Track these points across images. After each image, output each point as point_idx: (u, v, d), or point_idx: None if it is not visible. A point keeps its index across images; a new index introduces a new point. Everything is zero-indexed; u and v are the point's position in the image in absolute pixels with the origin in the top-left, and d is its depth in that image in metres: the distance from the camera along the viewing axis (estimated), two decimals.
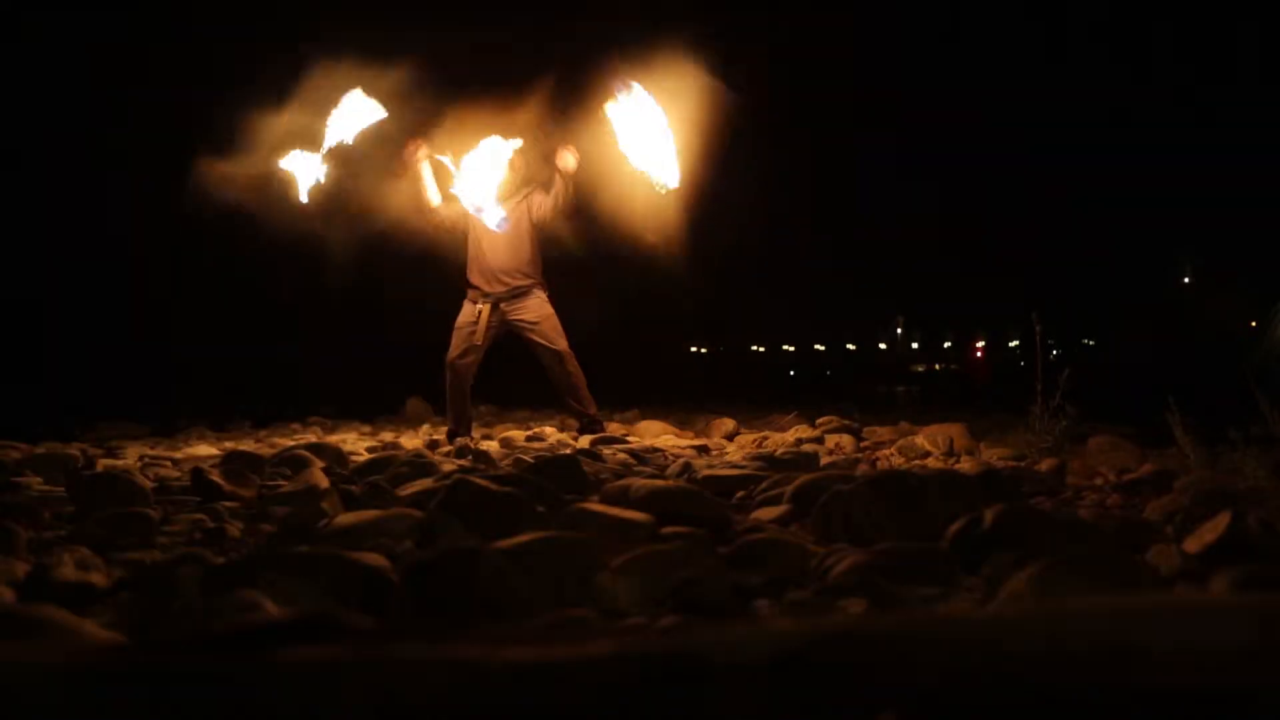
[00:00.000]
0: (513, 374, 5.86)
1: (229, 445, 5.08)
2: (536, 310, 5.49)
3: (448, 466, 3.67)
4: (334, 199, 5.60)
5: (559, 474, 3.17)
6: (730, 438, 5.40)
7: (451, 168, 5.42)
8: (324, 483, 3.19)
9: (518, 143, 5.45)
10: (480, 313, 5.44)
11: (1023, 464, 3.67)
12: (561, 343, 5.49)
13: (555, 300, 5.59)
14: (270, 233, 5.63)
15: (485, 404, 7.51)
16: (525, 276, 5.49)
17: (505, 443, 5.14)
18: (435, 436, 5.61)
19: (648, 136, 5.18)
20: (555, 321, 5.52)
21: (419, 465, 3.57)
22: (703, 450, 4.60)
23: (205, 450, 4.81)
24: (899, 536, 2.16)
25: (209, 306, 9.40)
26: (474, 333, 5.43)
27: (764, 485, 2.99)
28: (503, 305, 5.48)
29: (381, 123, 5.54)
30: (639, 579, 1.79)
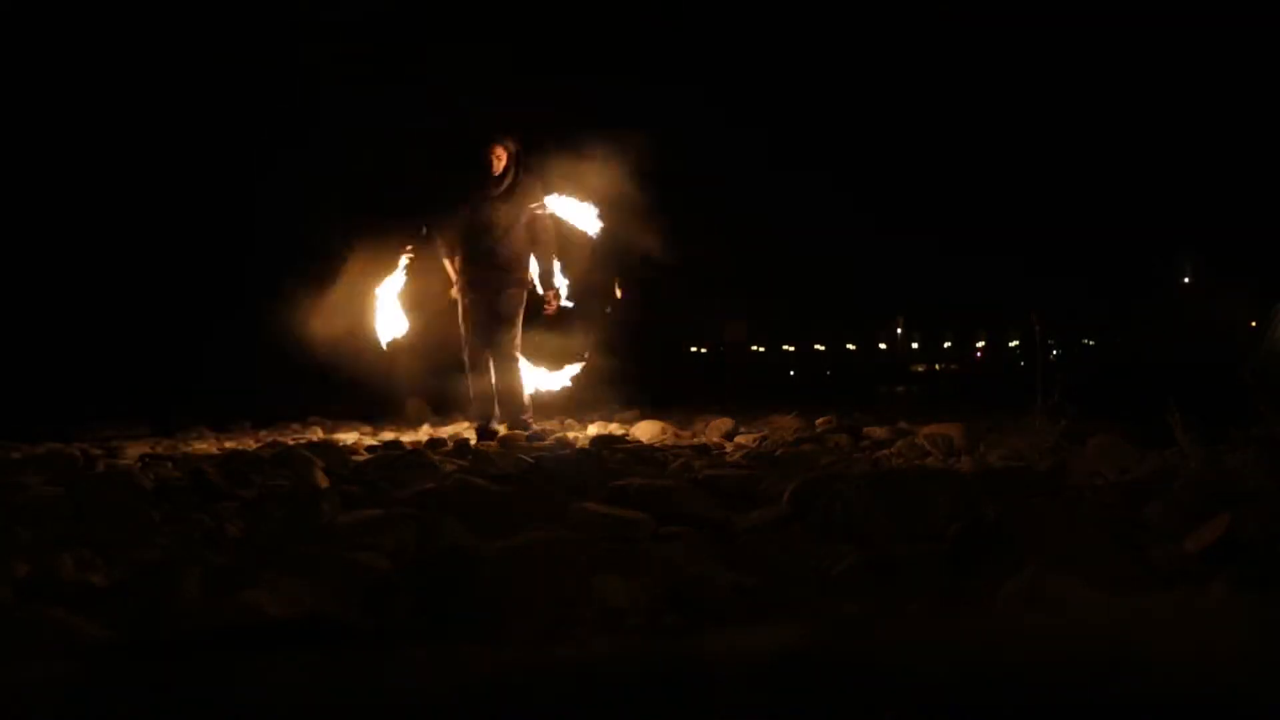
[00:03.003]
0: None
1: (229, 445, 5.08)
2: (505, 304, 5.57)
3: (448, 466, 3.67)
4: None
5: (559, 474, 3.17)
6: (729, 437, 5.40)
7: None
8: (324, 483, 3.19)
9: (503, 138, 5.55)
10: (470, 302, 5.60)
11: (1022, 464, 3.67)
12: (511, 346, 5.59)
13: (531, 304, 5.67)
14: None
15: None
16: (507, 271, 5.56)
17: (505, 442, 5.14)
18: (436, 435, 5.61)
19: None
20: (511, 319, 5.57)
21: (419, 465, 3.57)
22: (703, 450, 4.60)
23: (205, 450, 4.81)
24: (899, 536, 2.16)
25: (209, 306, 9.40)
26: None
27: (764, 485, 2.99)
28: (487, 293, 5.61)
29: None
30: (639, 579, 1.79)
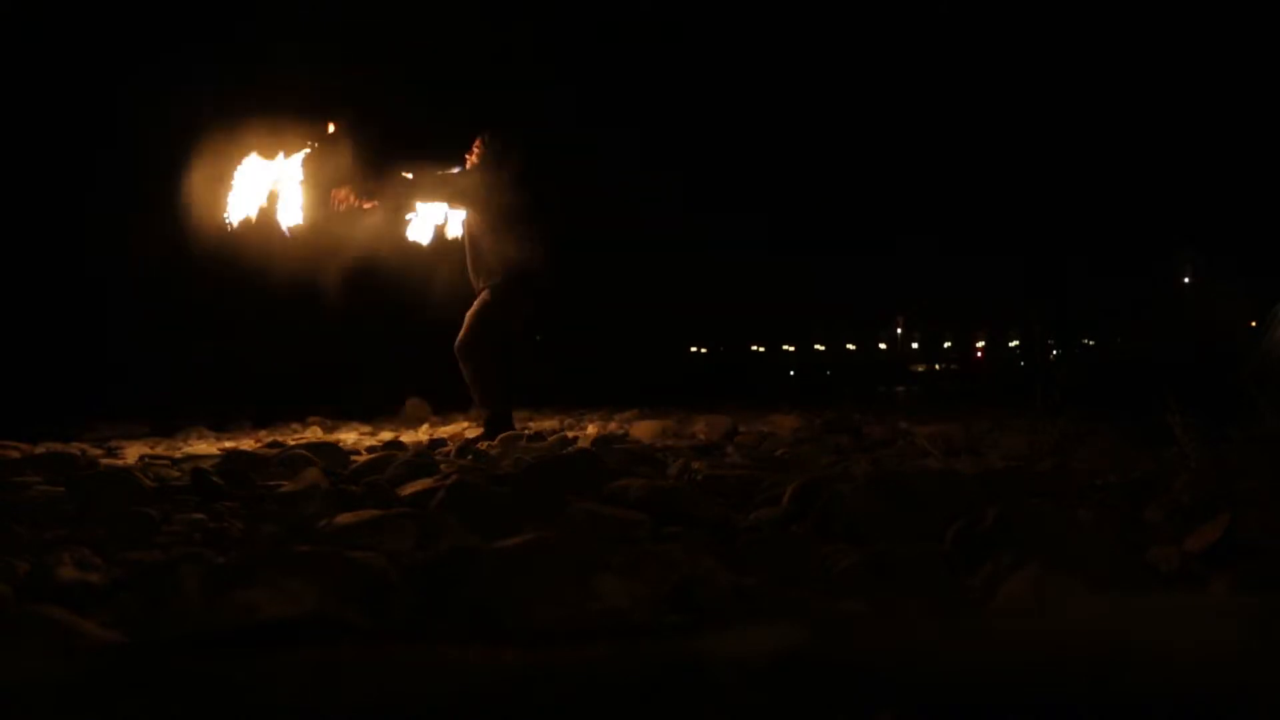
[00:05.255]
0: (512, 375, 5.86)
1: (229, 445, 5.08)
2: (476, 303, 5.58)
3: (448, 466, 3.67)
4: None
5: (559, 474, 3.17)
6: (730, 437, 5.40)
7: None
8: (324, 483, 3.19)
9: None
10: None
11: (1022, 464, 3.67)
12: (468, 340, 5.53)
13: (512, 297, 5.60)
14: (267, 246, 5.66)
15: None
16: (475, 273, 5.57)
17: (505, 442, 5.14)
18: (436, 435, 5.62)
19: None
20: (482, 316, 5.52)
21: (419, 465, 3.57)
22: (703, 450, 4.60)
23: (205, 450, 4.81)
24: (899, 536, 2.16)
25: (208, 306, 9.41)
26: None
27: (764, 485, 2.99)
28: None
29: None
30: (639, 579, 1.79)
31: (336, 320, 6.06)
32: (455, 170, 5.59)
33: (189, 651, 0.97)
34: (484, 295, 5.51)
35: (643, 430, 5.71)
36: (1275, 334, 4.59)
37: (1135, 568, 1.76)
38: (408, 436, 5.69)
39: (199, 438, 5.60)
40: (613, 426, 6.14)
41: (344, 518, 2.43)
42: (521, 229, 5.52)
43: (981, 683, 0.86)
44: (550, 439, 5.31)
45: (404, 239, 5.83)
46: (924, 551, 1.97)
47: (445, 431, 5.96)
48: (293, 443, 4.82)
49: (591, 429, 6.04)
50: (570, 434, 5.63)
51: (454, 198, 5.59)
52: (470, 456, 4.25)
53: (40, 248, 8.96)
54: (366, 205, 5.48)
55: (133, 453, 4.61)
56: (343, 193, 5.43)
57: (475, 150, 5.58)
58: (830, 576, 1.85)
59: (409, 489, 2.99)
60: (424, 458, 3.93)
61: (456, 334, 5.68)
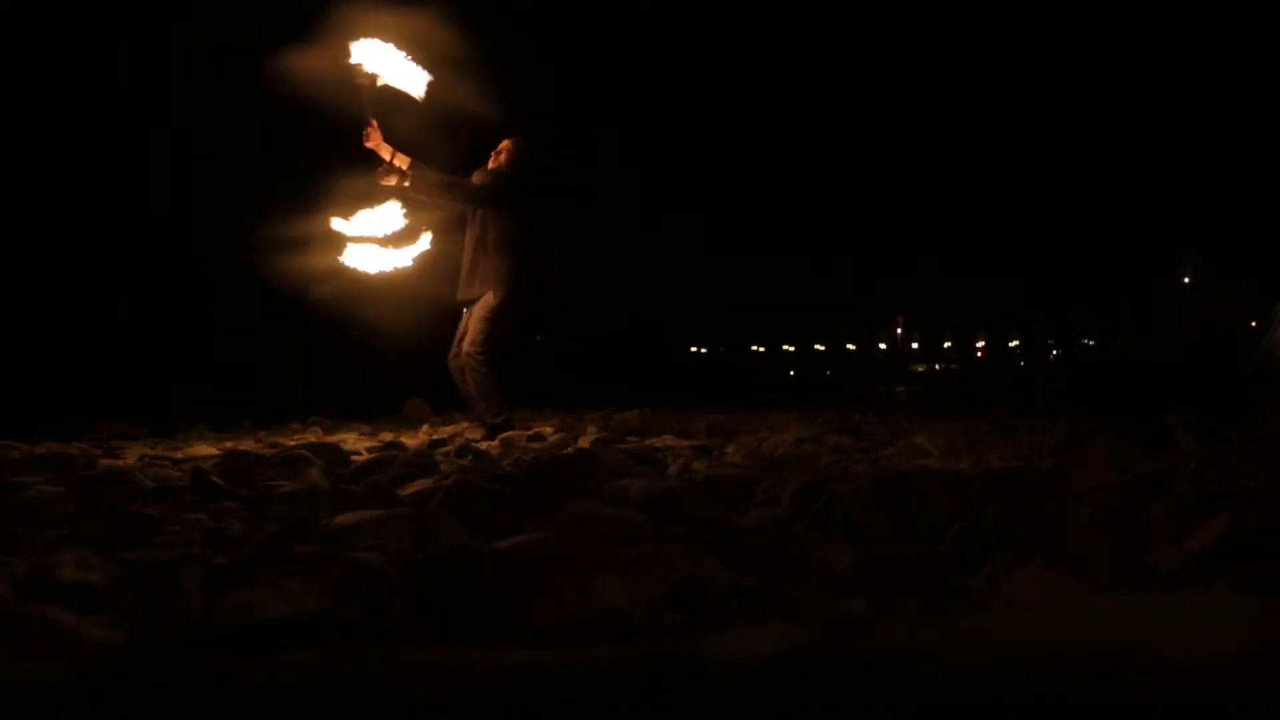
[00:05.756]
0: (511, 375, 5.86)
1: (229, 445, 5.07)
2: (479, 309, 5.58)
3: (448, 466, 3.67)
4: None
5: (559, 474, 3.17)
6: (730, 437, 5.40)
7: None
8: (324, 483, 3.19)
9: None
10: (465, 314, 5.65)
11: (1023, 464, 3.67)
12: (474, 347, 5.53)
13: (510, 304, 5.56)
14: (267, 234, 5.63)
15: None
16: (481, 283, 5.56)
17: (505, 443, 5.14)
18: (436, 435, 5.62)
19: None
20: (486, 324, 5.51)
21: (419, 465, 3.57)
22: (703, 450, 4.60)
23: (205, 450, 4.81)
24: (899, 536, 2.17)
25: (208, 306, 9.40)
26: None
27: (764, 485, 2.99)
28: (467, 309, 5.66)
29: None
30: (639, 579, 1.79)
31: (337, 319, 6.06)
32: (484, 171, 5.57)
33: (189, 651, 0.97)
34: (489, 299, 5.50)
35: (643, 430, 5.71)
36: (1275, 334, 4.59)
37: (1135, 568, 1.76)
38: (408, 437, 5.68)
39: (199, 438, 5.60)
40: (613, 426, 6.14)
41: (344, 518, 2.43)
42: (537, 234, 5.54)
43: (981, 683, 0.86)
44: (550, 439, 5.31)
45: (403, 237, 5.79)
46: (924, 551, 1.97)
47: (445, 431, 5.95)
48: (293, 443, 4.82)
49: (591, 429, 6.03)
50: (570, 434, 5.63)
51: (479, 199, 5.55)
52: (470, 456, 4.25)
53: (40, 247, 8.95)
54: (389, 180, 5.40)
55: (133, 453, 4.61)
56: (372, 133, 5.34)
57: (501, 154, 5.57)
58: (830, 576, 1.85)
59: (409, 489, 2.99)
60: (424, 458, 3.93)
61: (454, 334, 5.68)
